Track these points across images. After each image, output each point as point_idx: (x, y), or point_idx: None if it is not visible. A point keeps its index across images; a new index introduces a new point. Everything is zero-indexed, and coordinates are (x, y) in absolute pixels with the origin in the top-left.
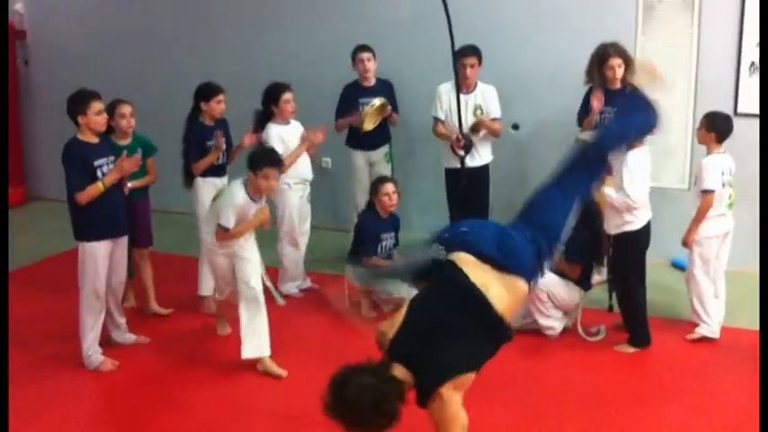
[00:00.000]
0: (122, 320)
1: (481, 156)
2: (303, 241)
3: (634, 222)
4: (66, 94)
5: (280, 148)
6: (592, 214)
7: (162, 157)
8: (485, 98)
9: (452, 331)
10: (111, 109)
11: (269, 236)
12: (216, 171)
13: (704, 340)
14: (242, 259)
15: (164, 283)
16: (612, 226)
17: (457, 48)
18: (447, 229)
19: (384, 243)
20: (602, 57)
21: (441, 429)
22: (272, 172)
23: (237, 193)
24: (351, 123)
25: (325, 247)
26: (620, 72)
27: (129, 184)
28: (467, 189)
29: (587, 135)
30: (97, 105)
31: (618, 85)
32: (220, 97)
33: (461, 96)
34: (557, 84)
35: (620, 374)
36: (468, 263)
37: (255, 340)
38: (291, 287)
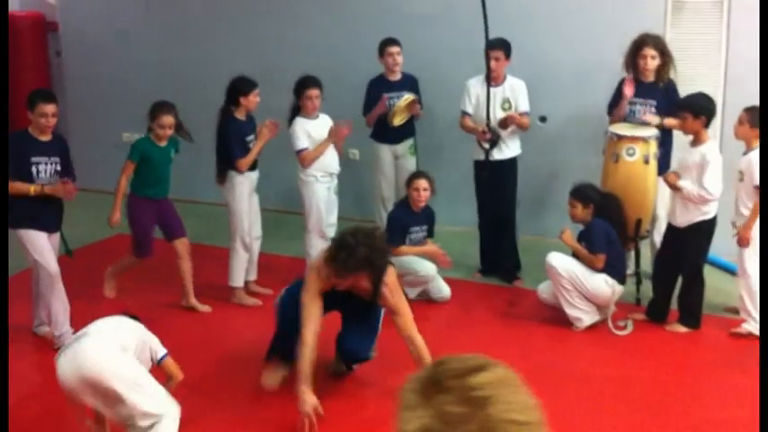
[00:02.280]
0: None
1: (509, 148)
2: (331, 233)
3: (709, 212)
4: (98, 85)
5: (305, 142)
6: (612, 204)
7: (191, 149)
8: (513, 92)
9: None
10: (155, 114)
11: (296, 228)
12: (252, 166)
13: (743, 336)
14: None
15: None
16: (685, 218)
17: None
18: None
19: (413, 236)
20: (637, 45)
21: None
22: None
23: None
24: (380, 113)
25: None
26: (652, 63)
27: None
28: (494, 182)
29: (616, 128)
30: (45, 108)
31: (650, 78)
32: (257, 91)
33: (489, 89)
34: (585, 77)
35: (647, 368)
36: None
37: None
38: None
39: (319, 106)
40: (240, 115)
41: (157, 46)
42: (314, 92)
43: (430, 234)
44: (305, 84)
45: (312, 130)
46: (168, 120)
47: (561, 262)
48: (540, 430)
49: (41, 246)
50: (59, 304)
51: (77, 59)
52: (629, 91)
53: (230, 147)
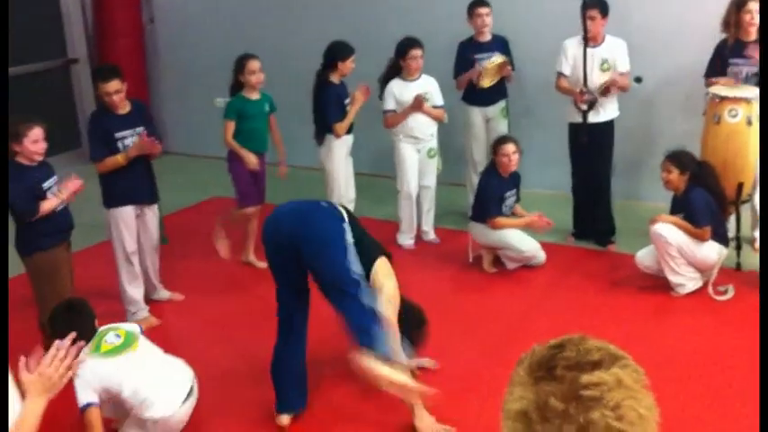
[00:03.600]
0: (158, 283)
1: (606, 111)
2: (426, 196)
3: None
4: (191, 51)
5: (391, 104)
6: (708, 174)
7: (288, 114)
8: (612, 52)
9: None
10: (241, 64)
11: (386, 191)
12: (347, 129)
13: None
14: None
15: None
16: None
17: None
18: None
19: (507, 201)
20: (740, 1)
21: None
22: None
23: None
24: (470, 78)
25: (440, 202)
26: (757, 18)
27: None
28: (591, 145)
29: (718, 89)
30: (105, 87)
31: (753, 36)
32: (353, 57)
33: (587, 49)
34: (682, 36)
35: (749, 336)
36: None
37: None
38: (406, 239)
39: (422, 66)
40: (335, 79)
41: (249, 10)
42: (417, 52)
43: (518, 197)
44: (409, 44)
45: (403, 92)
46: (255, 64)
47: (668, 230)
48: None
49: (125, 222)
50: (132, 282)
51: (170, 26)
52: (724, 81)
53: (328, 111)
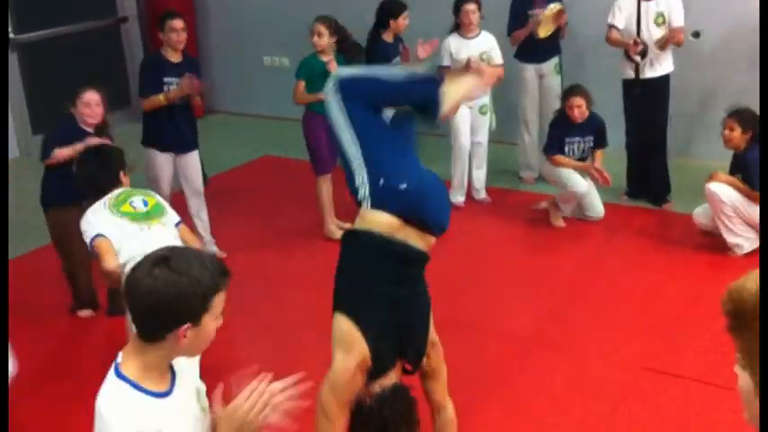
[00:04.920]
0: (208, 237)
1: (662, 65)
2: (477, 153)
3: None
4: (240, 10)
5: (446, 60)
6: None
7: None
8: (668, 5)
9: None
10: (311, 25)
11: (438, 150)
12: None
13: None
14: None
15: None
16: None
17: None
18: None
19: (574, 146)
20: None
21: None
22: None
23: None
24: (528, 33)
25: (492, 160)
26: None
27: None
28: (645, 101)
29: None
30: (173, 23)
31: None
32: (406, 13)
33: (642, 3)
34: None
35: None
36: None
37: None
38: (457, 196)
39: (477, 22)
40: (388, 38)
41: None
42: (470, 6)
43: (598, 143)
44: None
45: (461, 49)
46: (318, 27)
47: (722, 188)
48: None
49: (160, 167)
50: None
51: None
52: None
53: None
